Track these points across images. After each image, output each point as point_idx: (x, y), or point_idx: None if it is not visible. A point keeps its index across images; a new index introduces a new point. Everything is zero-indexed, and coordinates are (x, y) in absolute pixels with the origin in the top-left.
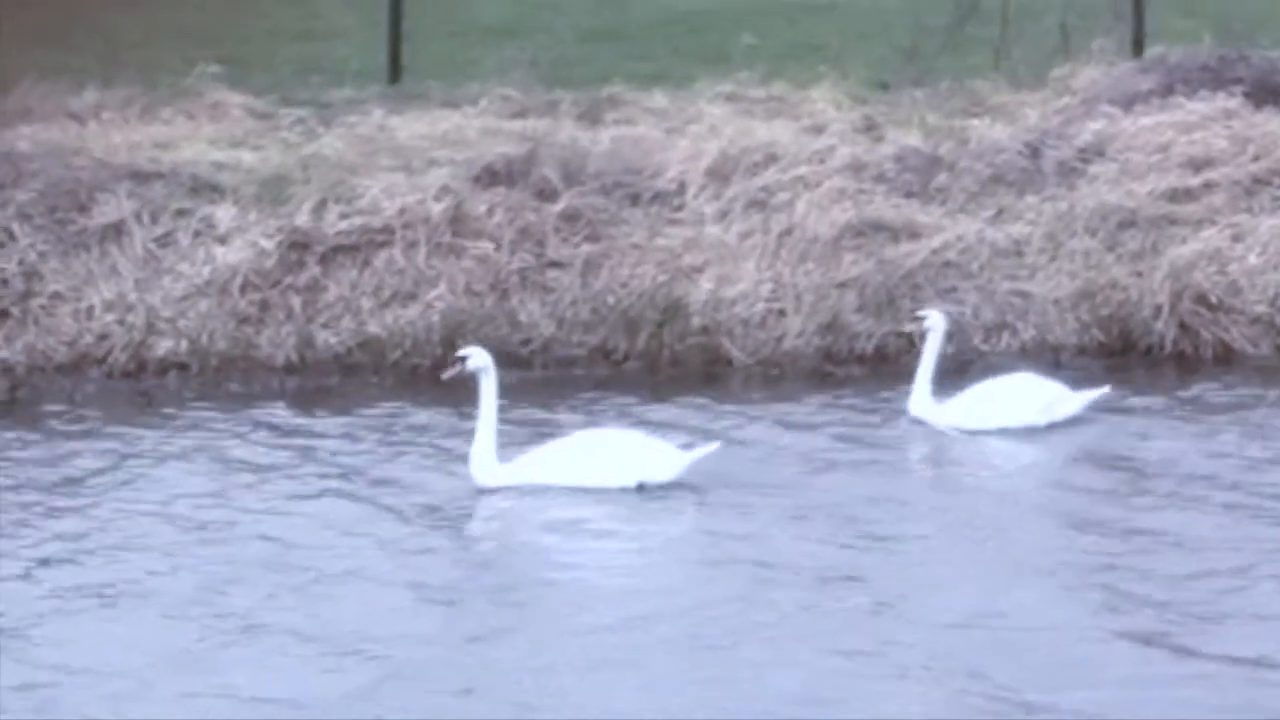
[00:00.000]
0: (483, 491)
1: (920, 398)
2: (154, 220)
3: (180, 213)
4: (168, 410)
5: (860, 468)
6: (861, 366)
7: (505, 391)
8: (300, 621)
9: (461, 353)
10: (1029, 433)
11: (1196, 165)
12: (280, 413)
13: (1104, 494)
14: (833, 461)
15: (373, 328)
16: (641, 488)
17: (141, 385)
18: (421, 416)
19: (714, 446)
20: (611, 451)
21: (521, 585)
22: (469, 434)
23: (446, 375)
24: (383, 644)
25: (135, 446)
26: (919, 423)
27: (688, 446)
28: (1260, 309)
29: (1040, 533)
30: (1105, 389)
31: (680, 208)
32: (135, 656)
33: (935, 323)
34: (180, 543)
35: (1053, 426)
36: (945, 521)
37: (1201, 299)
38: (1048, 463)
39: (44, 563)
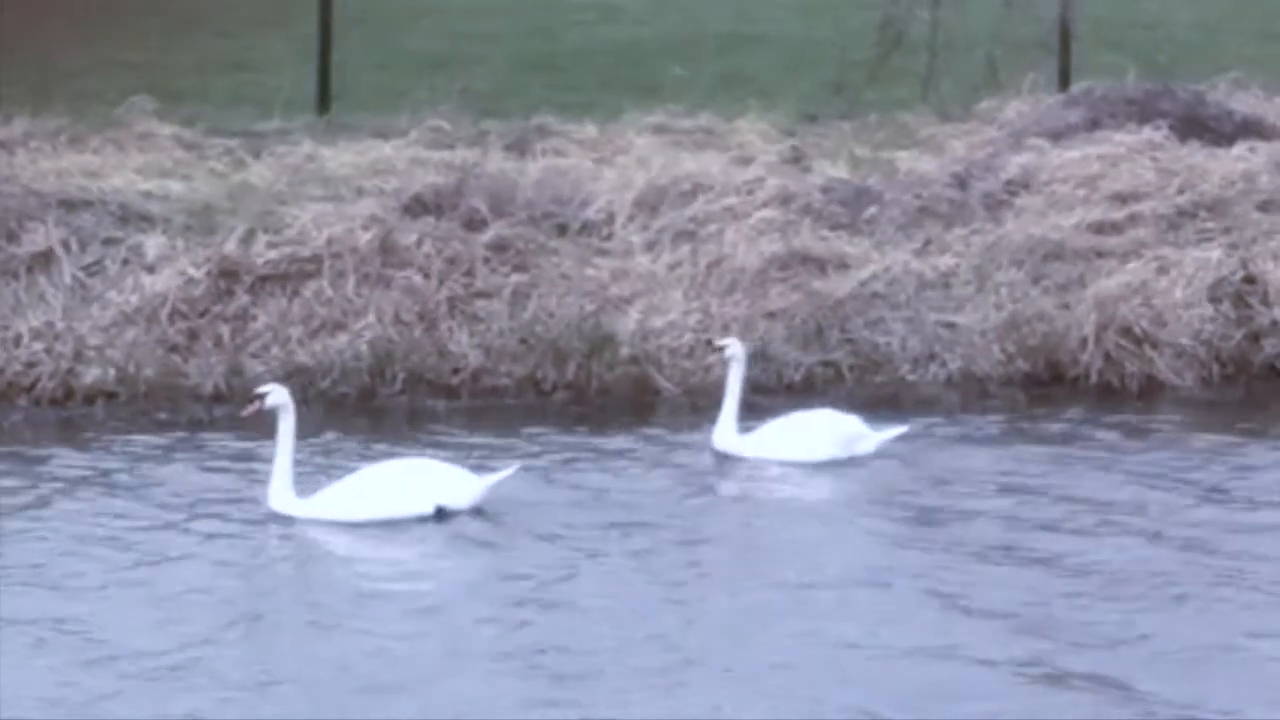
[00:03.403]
0: (278, 519)
1: (724, 430)
2: (82, 249)
3: (109, 241)
4: (95, 438)
5: (666, 499)
6: (789, 396)
7: (433, 420)
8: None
9: (260, 390)
10: (875, 458)
11: (1122, 198)
12: (208, 441)
13: (955, 520)
14: (638, 492)
15: (301, 357)
16: (440, 513)
17: (69, 413)
18: (350, 446)
19: (512, 470)
20: (407, 480)
21: (320, 607)
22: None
23: (245, 412)
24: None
25: (62, 475)
26: (723, 454)
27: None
28: (1185, 341)
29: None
30: (904, 428)
31: (609, 238)
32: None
33: (735, 351)
34: (103, 571)
35: (924, 452)
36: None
37: (1127, 331)
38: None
39: None
